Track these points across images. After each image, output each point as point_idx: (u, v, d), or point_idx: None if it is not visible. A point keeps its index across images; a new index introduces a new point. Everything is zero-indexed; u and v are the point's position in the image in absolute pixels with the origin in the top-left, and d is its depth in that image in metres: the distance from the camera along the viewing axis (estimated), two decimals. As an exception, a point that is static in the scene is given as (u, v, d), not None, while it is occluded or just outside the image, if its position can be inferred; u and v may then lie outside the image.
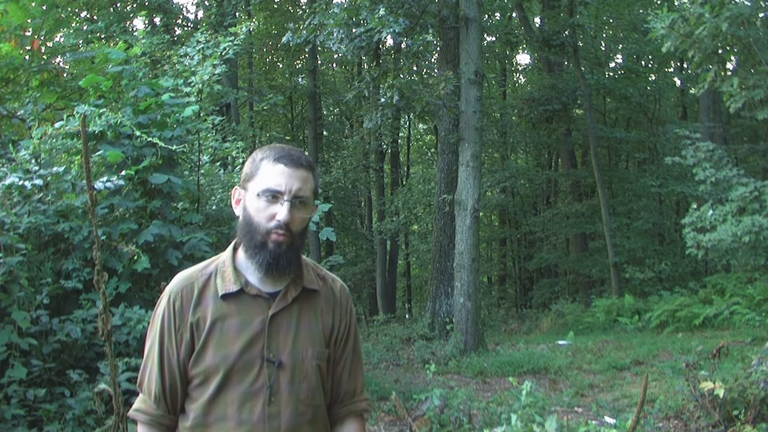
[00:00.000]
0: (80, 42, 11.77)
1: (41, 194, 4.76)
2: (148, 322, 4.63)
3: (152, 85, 5.62)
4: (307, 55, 20.40)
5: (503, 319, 18.64)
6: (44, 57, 6.50)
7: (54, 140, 5.12)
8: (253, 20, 14.50)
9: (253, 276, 1.69)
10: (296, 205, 1.64)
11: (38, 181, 4.57)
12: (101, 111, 5.06)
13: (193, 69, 6.26)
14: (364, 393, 1.85)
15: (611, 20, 20.85)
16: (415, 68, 12.88)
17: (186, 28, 17.88)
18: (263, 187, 1.63)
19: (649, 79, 21.22)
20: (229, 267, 1.70)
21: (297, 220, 1.64)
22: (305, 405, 1.67)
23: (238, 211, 1.71)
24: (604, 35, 22.46)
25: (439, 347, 10.69)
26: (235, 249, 1.73)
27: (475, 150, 10.67)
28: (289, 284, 1.70)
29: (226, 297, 1.66)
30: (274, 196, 1.63)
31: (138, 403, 1.70)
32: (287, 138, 23.06)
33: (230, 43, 6.36)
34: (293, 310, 1.70)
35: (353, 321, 1.83)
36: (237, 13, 16.54)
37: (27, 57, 6.15)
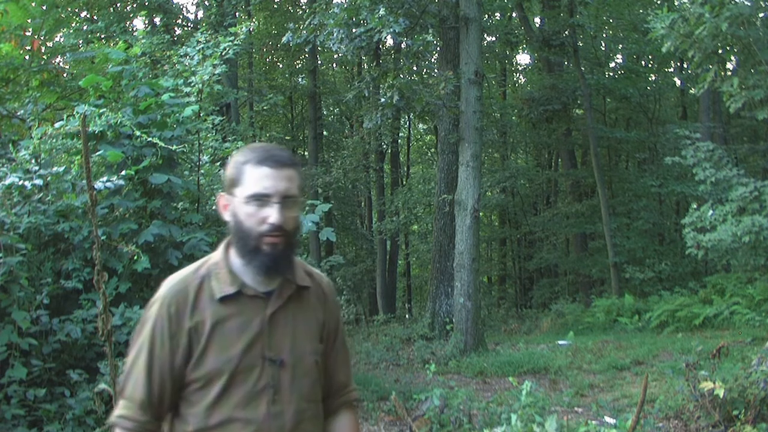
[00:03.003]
0: (80, 42, 11.78)
1: (41, 194, 4.77)
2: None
3: (152, 85, 5.62)
4: (307, 55, 20.39)
5: (503, 319, 18.61)
6: (44, 57, 6.51)
7: (54, 140, 5.12)
8: (253, 20, 14.54)
9: (247, 276, 1.69)
10: (286, 205, 1.64)
11: (38, 181, 4.57)
12: (101, 111, 5.06)
13: (193, 69, 6.26)
14: (353, 383, 1.92)
15: (611, 20, 20.84)
16: (415, 68, 12.88)
17: (186, 28, 17.87)
18: (251, 191, 1.62)
19: (649, 79, 21.21)
20: (224, 269, 1.69)
21: (289, 220, 1.65)
22: (307, 401, 1.70)
23: (226, 216, 1.71)
24: (604, 35, 22.42)
25: (439, 347, 10.68)
26: (226, 249, 1.73)
27: (475, 150, 10.66)
28: (282, 283, 1.71)
29: (224, 299, 1.65)
30: (263, 199, 1.63)
31: (121, 409, 1.64)
32: (287, 138, 23.05)
33: (230, 43, 6.36)
34: (289, 308, 1.71)
35: (340, 315, 1.89)
36: (237, 13, 16.53)
37: (27, 57, 6.16)
